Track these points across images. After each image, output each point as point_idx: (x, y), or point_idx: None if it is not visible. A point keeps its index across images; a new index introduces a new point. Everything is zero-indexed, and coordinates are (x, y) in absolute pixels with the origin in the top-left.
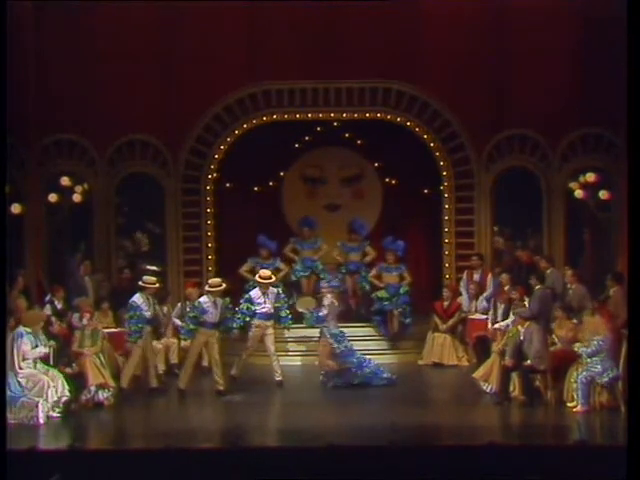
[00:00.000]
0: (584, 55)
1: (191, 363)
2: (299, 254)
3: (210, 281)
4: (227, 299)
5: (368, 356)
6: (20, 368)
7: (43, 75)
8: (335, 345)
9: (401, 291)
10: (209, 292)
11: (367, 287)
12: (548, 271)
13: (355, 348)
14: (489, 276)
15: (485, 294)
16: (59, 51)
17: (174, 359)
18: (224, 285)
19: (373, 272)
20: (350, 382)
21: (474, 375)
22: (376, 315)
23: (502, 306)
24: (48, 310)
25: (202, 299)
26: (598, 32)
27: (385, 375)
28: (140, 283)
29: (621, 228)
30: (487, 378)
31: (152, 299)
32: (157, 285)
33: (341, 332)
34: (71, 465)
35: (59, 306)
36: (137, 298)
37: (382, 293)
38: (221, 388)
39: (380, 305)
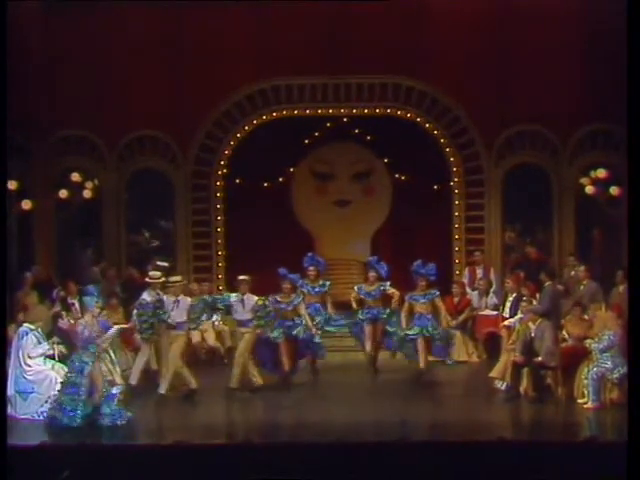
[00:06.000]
0: (595, 51)
1: (240, 363)
2: (307, 298)
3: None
4: (262, 298)
5: None
6: (28, 365)
7: (53, 72)
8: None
9: (438, 332)
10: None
11: (401, 333)
12: (585, 282)
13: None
14: (491, 271)
15: (492, 289)
16: (69, 48)
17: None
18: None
19: (405, 307)
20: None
21: (491, 375)
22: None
23: (512, 298)
24: (58, 306)
25: (232, 295)
26: (609, 27)
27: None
28: (147, 279)
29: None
30: (503, 376)
31: (161, 294)
32: (162, 279)
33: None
34: (80, 461)
35: (72, 302)
36: (145, 295)
37: (413, 330)
38: (257, 384)
39: (409, 340)
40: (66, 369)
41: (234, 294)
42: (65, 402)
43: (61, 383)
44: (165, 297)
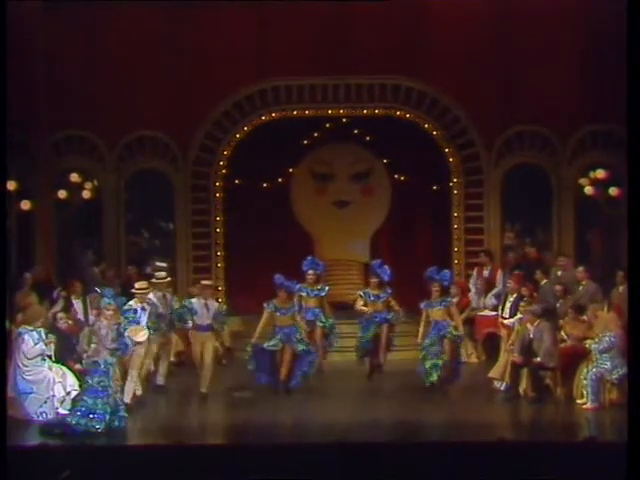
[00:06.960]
0: (595, 51)
1: (199, 365)
2: (305, 302)
3: (202, 282)
4: (223, 305)
5: None
6: (25, 366)
7: (54, 72)
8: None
9: (455, 332)
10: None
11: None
12: (584, 282)
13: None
14: (499, 272)
15: (494, 291)
16: (69, 49)
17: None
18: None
19: (424, 316)
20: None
21: (490, 375)
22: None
23: (512, 298)
24: (58, 306)
25: (193, 300)
26: (609, 27)
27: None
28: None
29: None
30: (502, 376)
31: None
32: (148, 290)
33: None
34: (80, 461)
35: (75, 302)
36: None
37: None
38: (203, 391)
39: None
40: (64, 369)
41: (194, 299)
42: (97, 407)
43: (84, 388)
44: (132, 303)
